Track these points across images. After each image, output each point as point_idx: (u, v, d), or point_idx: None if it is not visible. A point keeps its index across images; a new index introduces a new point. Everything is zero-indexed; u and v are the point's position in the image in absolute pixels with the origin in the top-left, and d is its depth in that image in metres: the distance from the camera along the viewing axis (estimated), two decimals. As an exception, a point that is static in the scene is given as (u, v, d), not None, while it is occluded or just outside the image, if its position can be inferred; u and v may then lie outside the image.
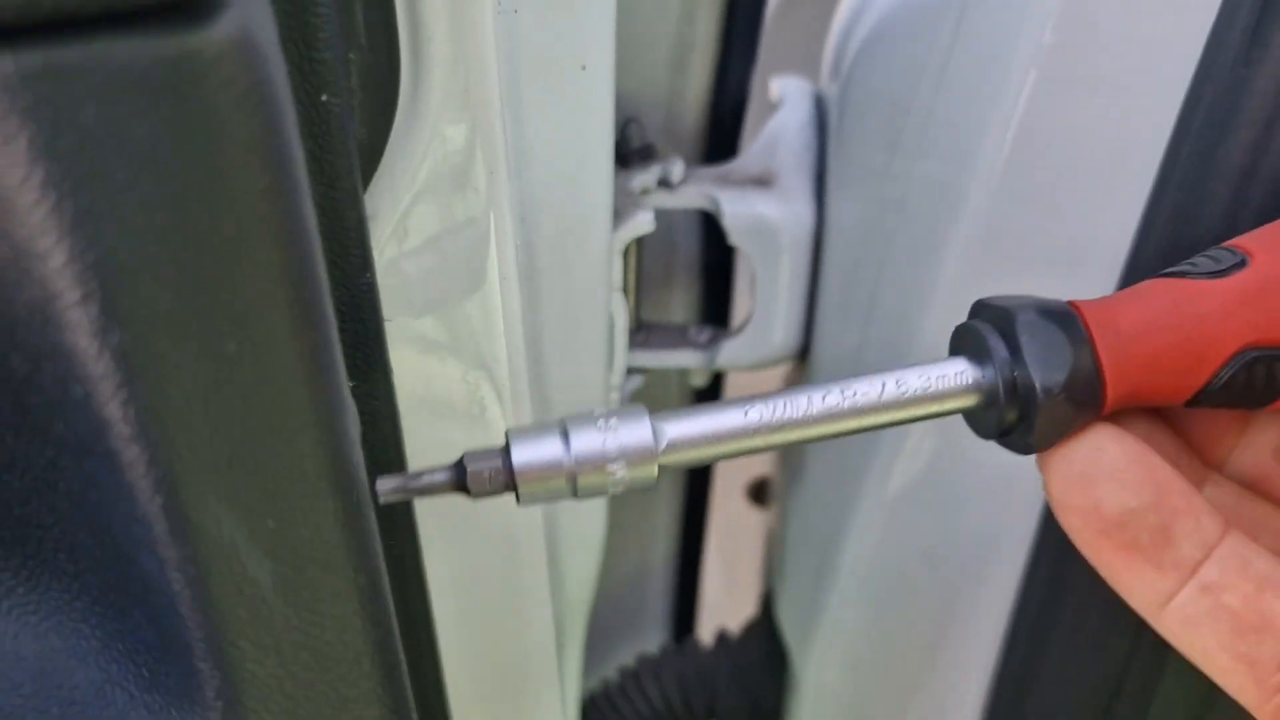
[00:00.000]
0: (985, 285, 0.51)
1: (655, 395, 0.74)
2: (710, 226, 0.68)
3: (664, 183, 0.61)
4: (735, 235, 0.62)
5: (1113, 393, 0.36)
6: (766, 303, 0.64)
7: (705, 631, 0.87)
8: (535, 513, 0.45)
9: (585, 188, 0.49)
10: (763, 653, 0.79)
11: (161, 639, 0.26)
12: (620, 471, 0.33)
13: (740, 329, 0.64)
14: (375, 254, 0.36)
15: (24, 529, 0.26)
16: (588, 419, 0.34)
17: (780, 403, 0.35)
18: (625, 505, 0.77)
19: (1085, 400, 0.35)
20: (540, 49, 0.43)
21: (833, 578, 0.65)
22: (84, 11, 0.19)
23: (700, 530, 0.86)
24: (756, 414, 0.35)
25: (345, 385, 0.26)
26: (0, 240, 0.21)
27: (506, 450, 0.33)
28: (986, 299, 0.38)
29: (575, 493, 0.34)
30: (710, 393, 0.78)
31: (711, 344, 0.65)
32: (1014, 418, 0.36)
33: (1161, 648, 0.51)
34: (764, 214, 0.62)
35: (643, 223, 0.56)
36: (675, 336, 0.66)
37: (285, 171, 0.22)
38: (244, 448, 0.24)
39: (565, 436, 0.33)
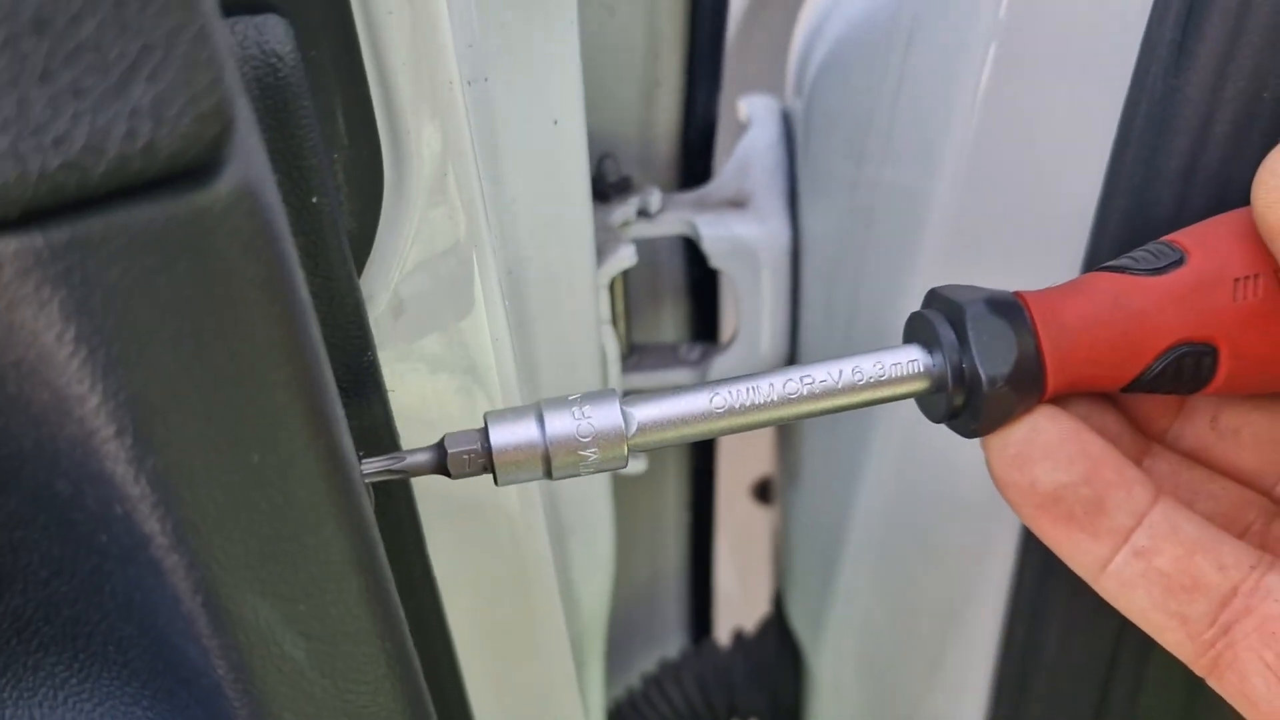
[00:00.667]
0: (956, 281, 0.53)
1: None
2: (693, 246, 0.70)
3: (643, 213, 0.63)
4: (715, 258, 0.64)
5: (1053, 381, 0.38)
6: (751, 318, 0.66)
7: (724, 630, 0.89)
8: (543, 540, 0.48)
9: (567, 232, 0.52)
10: (777, 650, 0.81)
11: (210, 718, 0.29)
12: (592, 454, 0.36)
13: (729, 344, 0.67)
14: (375, 328, 0.39)
15: (74, 627, 0.29)
16: (561, 403, 0.36)
17: (744, 388, 0.38)
18: (633, 516, 0.79)
19: (1027, 388, 0.38)
20: (512, 111, 0.46)
21: (837, 574, 0.67)
22: (104, 189, 0.21)
23: (709, 532, 0.87)
24: (721, 399, 0.37)
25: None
26: (42, 387, 0.23)
27: (485, 432, 0.36)
28: (940, 288, 0.40)
29: (550, 473, 0.36)
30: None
31: (703, 360, 0.67)
32: (961, 403, 0.38)
33: None
34: (741, 235, 0.64)
35: (625, 257, 0.58)
36: (667, 356, 0.68)
37: (290, 298, 0.24)
38: (273, 544, 0.26)
39: (540, 420, 0.36)
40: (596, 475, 0.58)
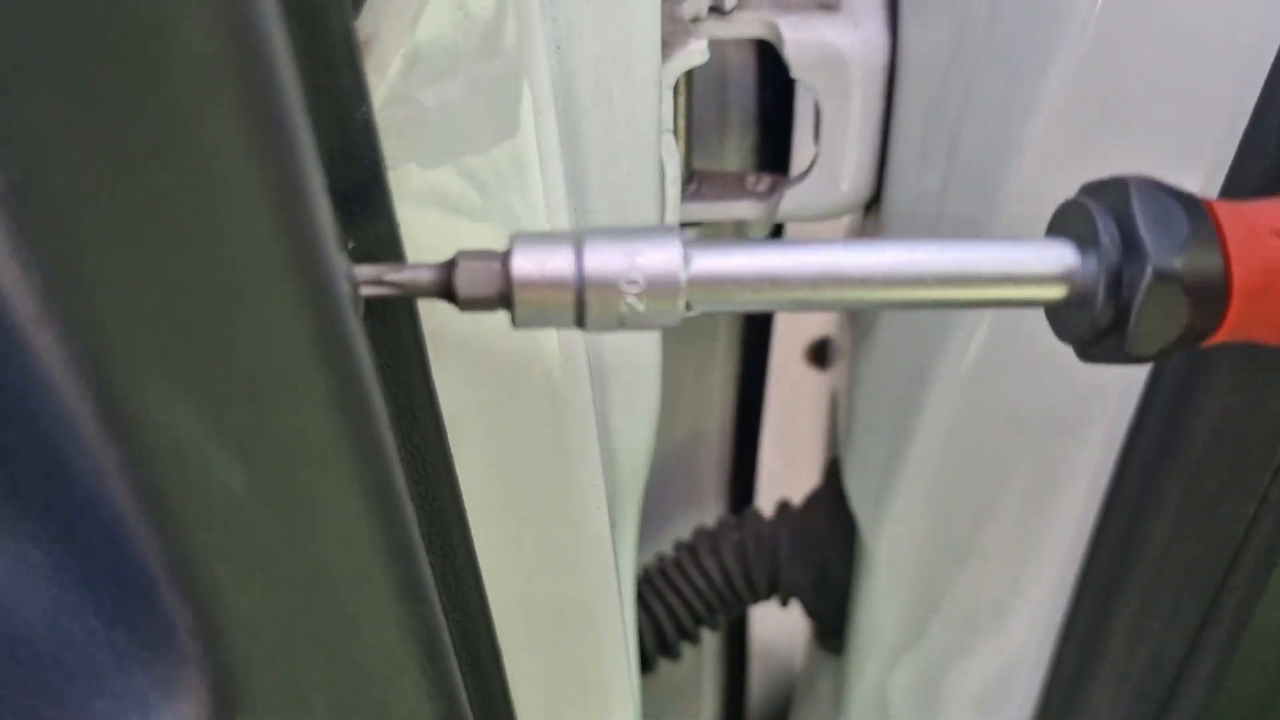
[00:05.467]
0: (1089, 122, 0.46)
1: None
2: (767, 60, 0.61)
3: (715, 9, 0.55)
4: (798, 68, 0.56)
5: (1237, 313, 0.31)
6: (833, 144, 0.58)
7: (764, 502, 0.83)
8: (584, 385, 0.40)
9: (629, 10, 0.43)
10: (829, 523, 0.75)
11: (121, 564, 0.21)
12: (637, 300, 0.29)
13: (804, 174, 0.59)
14: (380, 82, 0.30)
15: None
16: (608, 235, 0.29)
17: (838, 254, 0.31)
18: (678, 369, 0.73)
19: (1204, 306, 0.31)
20: None
21: (907, 444, 0.62)
22: None
23: (758, 395, 0.82)
24: (809, 262, 0.30)
25: (332, 232, 0.20)
26: None
27: (508, 257, 0.28)
28: (1104, 180, 0.33)
29: (582, 320, 0.29)
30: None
31: (772, 192, 0.60)
32: (1110, 318, 0.31)
33: None
34: (831, 42, 0.56)
35: (695, 52, 0.51)
36: (732, 186, 0.61)
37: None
38: (194, 313, 0.18)
39: (579, 251, 0.29)
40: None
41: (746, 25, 0.56)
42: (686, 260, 0.29)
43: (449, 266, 0.28)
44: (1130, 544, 0.55)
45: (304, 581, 0.22)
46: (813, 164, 0.59)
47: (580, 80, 0.43)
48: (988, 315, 0.54)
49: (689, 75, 0.54)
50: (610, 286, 0.28)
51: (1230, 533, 0.51)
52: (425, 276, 0.28)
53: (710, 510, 0.86)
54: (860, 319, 0.71)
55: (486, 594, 0.37)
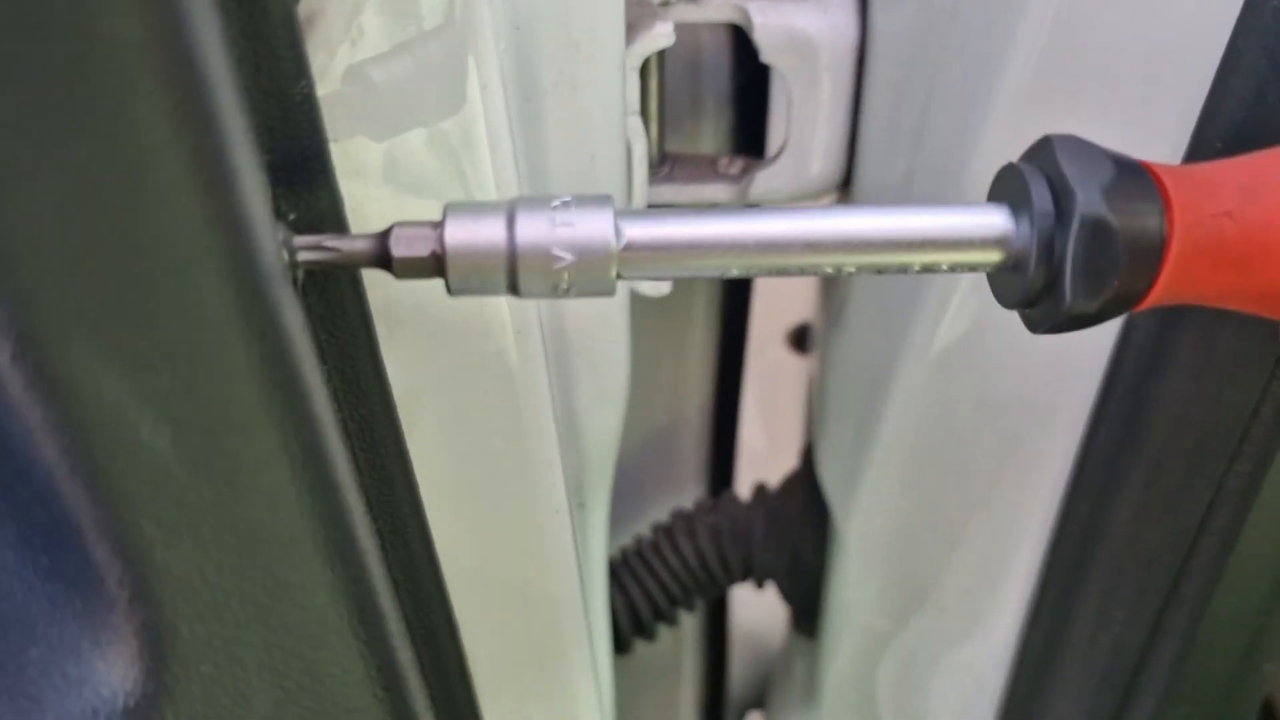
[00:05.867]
0: (1049, 103, 0.46)
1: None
2: (741, 41, 0.61)
3: None
4: (768, 51, 0.56)
5: (1170, 277, 0.31)
6: (803, 128, 0.58)
7: (744, 484, 0.83)
8: (538, 363, 0.41)
9: (592, -8, 0.43)
10: (803, 507, 0.75)
11: (55, 521, 0.22)
12: (568, 269, 0.29)
13: (775, 157, 0.59)
14: (325, 58, 0.30)
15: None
16: (541, 203, 0.29)
17: (769, 220, 0.31)
18: (654, 347, 0.73)
19: (1133, 283, 0.31)
20: None
21: (877, 428, 0.62)
22: None
23: (737, 378, 0.82)
24: (739, 228, 0.30)
25: (262, 204, 0.20)
26: None
27: (441, 226, 0.29)
28: (1053, 137, 0.33)
29: (515, 287, 0.29)
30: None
31: (744, 175, 0.60)
32: (1043, 281, 0.31)
33: (1248, 492, 0.48)
34: (801, 26, 0.56)
35: (660, 35, 0.51)
36: (704, 168, 0.61)
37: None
38: (118, 281, 0.19)
39: (511, 219, 0.29)
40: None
41: (717, 9, 0.56)
42: (618, 229, 0.29)
43: (384, 235, 0.29)
44: (1093, 531, 0.55)
45: (232, 543, 0.22)
46: (783, 147, 0.59)
47: (541, 62, 0.43)
48: (955, 301, 0.54)
49: (661, 58, 0.54)
50: (541, 254, 0.29)
51: (1189, 520, 0.52)
52: (361, 245, 0.29)
53: (689, 494, 0.86)
54: (833, 304, 0.71)
55: (440, 566, 0.38)
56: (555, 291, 0.29)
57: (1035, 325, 0.33)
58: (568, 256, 0.29)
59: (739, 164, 0.61)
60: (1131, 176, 0.31)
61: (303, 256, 0.27)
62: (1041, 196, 0.31)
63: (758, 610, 0.95)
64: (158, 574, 0.22)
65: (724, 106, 0.65)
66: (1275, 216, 0.31)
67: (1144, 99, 0.44)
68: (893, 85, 0.56)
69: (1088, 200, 0.30)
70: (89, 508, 0.21)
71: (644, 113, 0.54)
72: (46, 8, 0.16)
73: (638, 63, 0.51)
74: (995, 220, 0.31)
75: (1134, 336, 0.50)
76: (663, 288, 0.59)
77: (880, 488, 0.64)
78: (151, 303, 0.19)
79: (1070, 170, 0.30)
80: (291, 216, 0.28)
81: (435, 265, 0.29)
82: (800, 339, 0.92)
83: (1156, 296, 0.32)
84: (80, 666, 0.23)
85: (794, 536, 0.76)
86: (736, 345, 0.80)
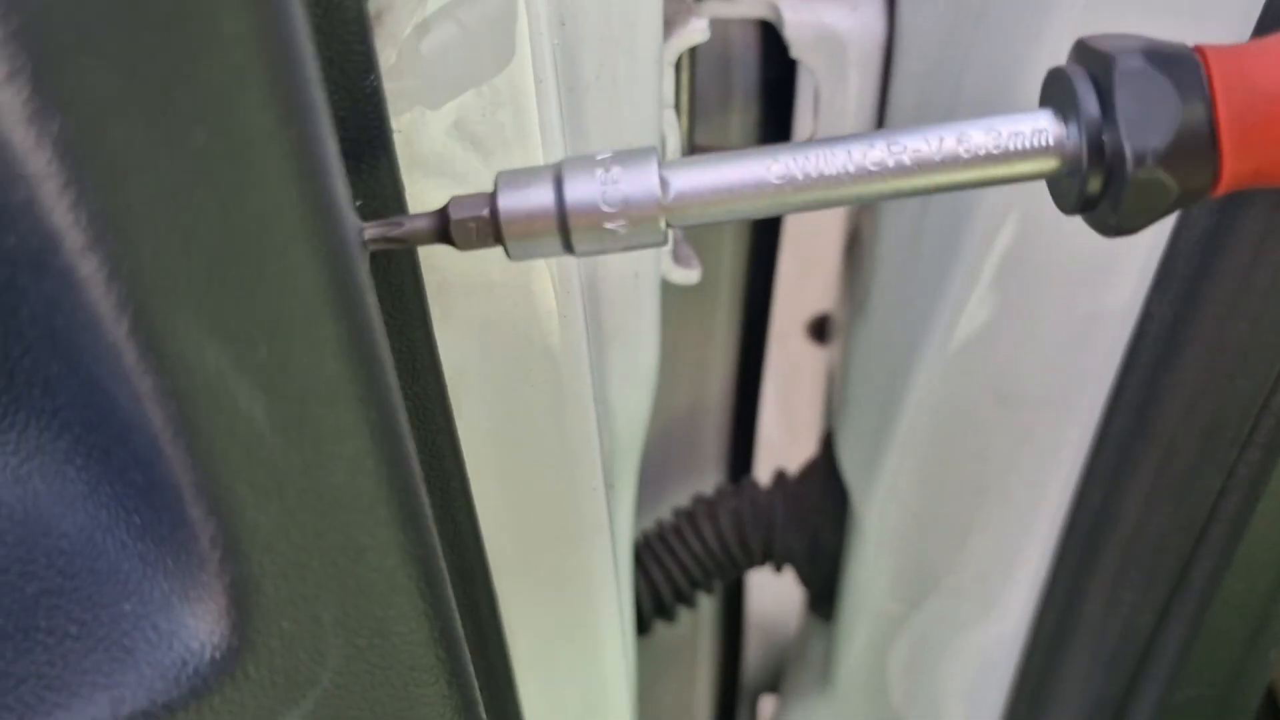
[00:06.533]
0: None
1: (709, 227, 0.70)
2: (770, 38, 0.63)
3: None
4: (798, 48, 0.57)
5: (1231, 166, 0.29)
6: (831, 123, 0.59)
7: (762, 473, 0.84)
8: (580, 345, 0.42)
9: (632, -10, 0.44)
10: (822, 492, 0.76)
11: (151, 483, 0.23)
12: (620, 225, 0.30)
13: (803, 151, 0.60)
14: (390, 52, 0.32)
15: (-9, 360, 0.23)
16: (586, 163, 0.30)
17: (813, 155, 0.31)
18: (679, 334, 0.74)
19: (1193, 173, 0.29)
20: None
21: (897, 416, 0.62)
22: None
23: (758, 367, 0.83)
24: (783, 166, 0.30)
25: (344, 190, 0.22)
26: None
27: (494, 195, 0.30)
28: (1091, 38, 0.32)
29: (570, 246, 0.30)
30: (770, 223, 0.74)
31: None
32: (1098, 189, 0.30)
33: (1258, 480, 0.49)
34: (830, 24, 0.57)
35: (696, 31, 0.52)
36: (732, 161, 0.61)
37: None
38: (224, 261, 0.20)
39: (559, 182, 0.30)
40: (646, 279, 0.52)
41: (749, 5, 0.56)
42: (663, 179, 0.30)
43: (443, 212, 0.30)
44: (1105, 517, 0.56)
45: (315, 506, 0.24)
46: (810, 141, 0.60)
47: (584, 56, 0.44)
48: (975, 293, 0.55)
49: (692, 53, 0.55)
50: (591, 212, 0.29)
51: (1199, 506, 0.52)
52: (424, 224, 0.30)
53: (709, 479, 0.87)
54: (856, 294, 0.72)
55: (483, 540, 0.39)
56: (608, 245, 0.30)
57: (1098, 227, 0.32)
58: (618, 211, 0.29)
59: (766, 156, 0.62)
60: (1175, 63, 0.30)
61: (370, 237, 0.29)
62: (1089, 104, 0.30)
63: (773, 596, 0.97)
64: (247, 533, 0.23)
65: (752, 100, 0.66)
66: None
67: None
68: (919, 81, 0.57)
69: (1138, 139, 0.29)
70: (187, 471, 0.22)
71: (676, 106, 0.55)
72: (173, 4, 0.18)
73: (674, 57, 0.52)
74: (1044, 125, 0.30)
75: (1148, 328, 0.50)
76: (692, 275, 0.60)
77: (899, 474, 0.64)
78: (253, 281, 0.21)
79: (1121, 87, 0.29)
80: (358, 202, 0.29)
81: (493, 233, 0.30)
82: (820, 329, 0.93)
83: (1227, 182, 0.30)
84: (171, 620, 0.24)
85: (813, 521, 0.77)
86: (758, 334, 0.81)
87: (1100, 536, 0.56)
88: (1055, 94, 0.32)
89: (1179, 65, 0.29)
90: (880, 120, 0.60)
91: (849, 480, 0.72)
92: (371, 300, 0.24)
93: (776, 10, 0.57)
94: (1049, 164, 0.30)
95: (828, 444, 0.77)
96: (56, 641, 0.24)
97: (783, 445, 0.95)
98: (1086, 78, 0.30)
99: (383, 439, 0.24)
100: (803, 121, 0.68)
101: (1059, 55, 0.46)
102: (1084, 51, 0.32)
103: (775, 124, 0.67)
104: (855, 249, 0.72)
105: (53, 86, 0.17)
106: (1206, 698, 0.59)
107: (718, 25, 0.57)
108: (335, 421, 0.23)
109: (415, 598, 0.26)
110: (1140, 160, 0.29)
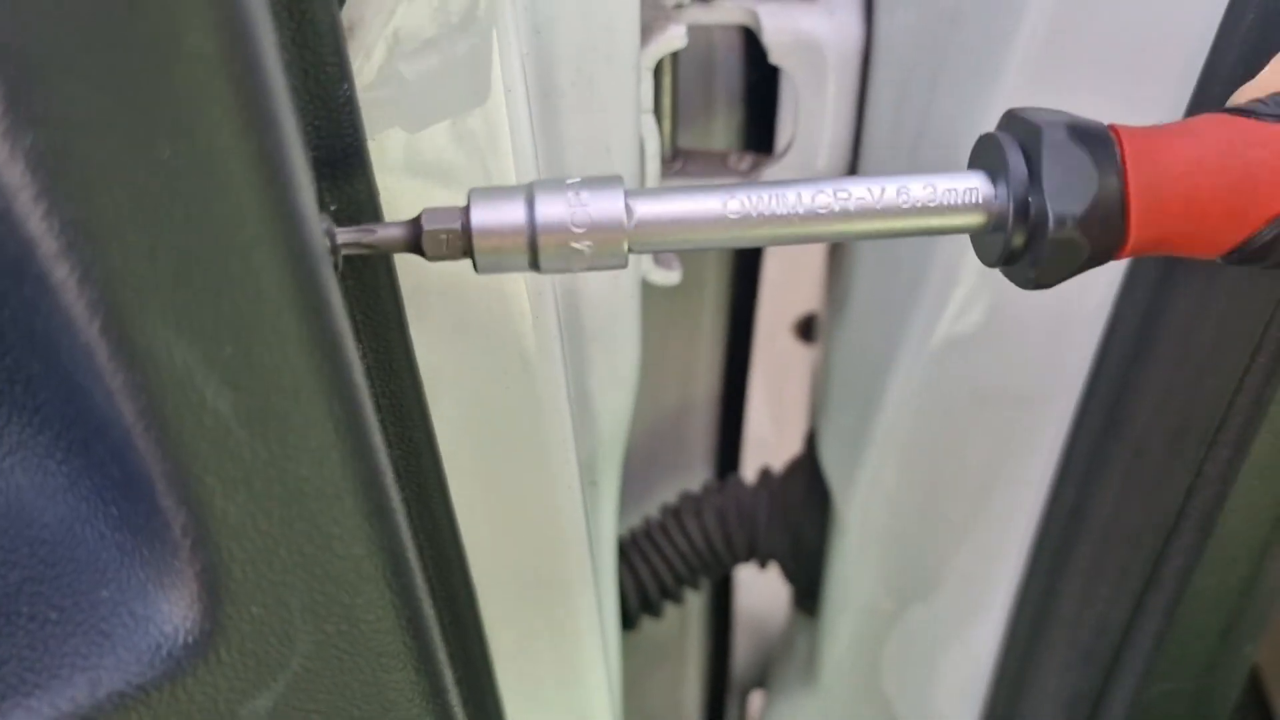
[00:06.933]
0: (1046, 102, 0.48)
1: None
2: (751, 43, 0.63)
3: None
4: (777, 53, 0.58)
5: (1138, 233, 0.33)
6: (810, 125, 0.60)
7: (750, 471, 0.85)
8: (554, 347, 0.43)
9: (609, -2, 0.45)
10: (806, 490, 0.77)
11: (126, 476, 0.25)
12: (586, 246, 0.31)
13: (783, 154, 0.61)
14: (364, 62, 0.33)
15: (-26, 359, 0.24)
16: (557, 185, 0.32)
17: (766, 195, 0.33)
18: (664, 333, 0.75)
19: (1103, 237, 0.32)
20: None
21: (877, 415, 0.63)
22: None
23: (745, 366, 0.83)
24: (738, 204, 0.33)
25: (310, 196, 0.23)
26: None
27: (467, 210, 0.32)
28: (1020, 110, 0.35)
29: (536, 264, 0.32)
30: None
31: (753, 170, 0.62)
32: (1021, 244, 0.33)
33: (1226, 478, 0.49)
34: (808, 29, 0.58)
35: (674, 37, 0.53)
36: (714, 164, 0.63)
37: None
38: (190, 265, 0.21)
39: (530, 201, 0.31)
40: (626, 282, 0.53)
41: (728, 12, 0.57)
42: (628, 207, 0.32)
43: (415, 223, 0.31)
44: (1078, 515, 0.56)
45: (281, 495, 0.25)
46: (790, 143, 0.61)
47: (560, 62, 0.45)
48: (954, 295, 0.56)
49: (674, 58, 0.56)
50: (559, 232, 0.31)
51: (1169, 503, 0.53)
52: (396, 233, 0.31)
53: (697, 477, 0.87)
54: (837, 295, 0.73)
55: (460, 535, 0.41)
56: (572, 265, 0.32)
57: (1015, 280, 0.35)
58: (584, 232, 0.31)
59: (748, 159, 0.63)
60: (1094, 138, 0.33)
61: (344, 241, 0.30)
62: (1018, 167, 0.33)
63: (762, 592, 0.98)
64: (216, 522, 0.24)
65: (735, 105, 0.67)
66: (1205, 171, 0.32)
67: (1139, 90, 0.45)
68: (896, 84, 0.58)
69: (1060, 202, 0.32)
70: (158, 463, 0.23)
71: (657, 110, 0.56)
72: (140, 25, 0.19)
73: (652, 63, 0.53)
74: (976, 185, 0.33)
75: (1119, 328, 0.51)
76: (672, 277, 0.61)
77: (879, 472, 0.65)
78: (219, 282, 0.22)
79: (1047, 156, 0.32)
80: (333, 207, 0.30)
81: (463, 246, 0.31)
82: (807, 329, 0.94)
83: (1131, 247, 0.33)
84: (146, 606, 0.25)
85: (797, 519, 0.78)
86: (745, 334, 0.82)
87: (1074, 533, 0.57)
88: (985, 157, 0.34)
89: (1098, 141, 0.32)
90: (859, 124, 0.61)
91: (830, 479, 0.72)
92: (335, 300, 0.25)
93: (755, 16, 0.57)
94: (977, 219, 0.33)
95: (811, 443, 0.78)
96: (38, 626, 0.26)
97: (770, 442, 0.96)
98: (1016, 145, 0.33)
99: (347, 432, 0.25)
100: (785, 125, 0.68)
101: (1031, 61, 0.47)
102: (1013, 121, 0.34)
103: (758, 128, 0.68)
104: (838, 250, 0.72)
105: (25, 104, 0.19)
106: (1182, 691, 0.60)
107: (701, 31, 0.58)
108: (299, 415, 0.24)
109: (382, 586, 0.28)
110: (1061, 223, 0.32)
